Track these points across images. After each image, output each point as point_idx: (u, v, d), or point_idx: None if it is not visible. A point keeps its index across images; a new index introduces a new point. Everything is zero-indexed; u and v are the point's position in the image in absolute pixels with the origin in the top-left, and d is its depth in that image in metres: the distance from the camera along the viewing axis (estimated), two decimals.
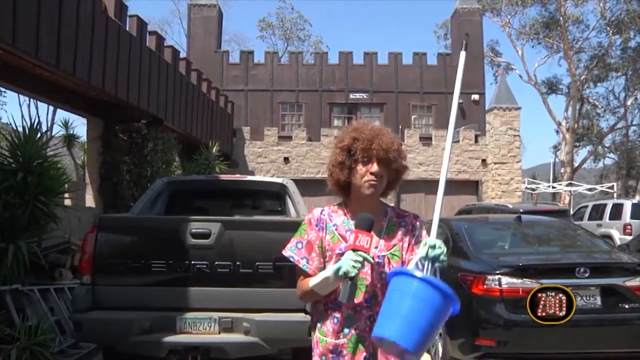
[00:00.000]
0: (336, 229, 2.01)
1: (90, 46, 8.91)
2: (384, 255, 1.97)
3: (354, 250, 1.83)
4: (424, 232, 2.03)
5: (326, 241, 2.01)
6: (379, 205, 2.07)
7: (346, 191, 2.06)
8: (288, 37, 38.36)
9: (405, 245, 2.00)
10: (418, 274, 1.71)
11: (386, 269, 1.96)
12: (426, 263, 1.78)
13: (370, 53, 24.77)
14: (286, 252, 2.05)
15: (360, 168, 1.97)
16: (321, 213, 2.07)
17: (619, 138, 33.85)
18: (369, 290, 1.94)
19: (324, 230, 2.02)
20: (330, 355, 1.96)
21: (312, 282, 1.95)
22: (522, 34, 31.90)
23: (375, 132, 1.99)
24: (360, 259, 1.82)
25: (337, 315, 1.96)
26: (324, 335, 1.99)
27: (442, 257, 1.78)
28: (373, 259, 1.93)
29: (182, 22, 36.80)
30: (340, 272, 1.81)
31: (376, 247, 1.96)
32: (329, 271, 1.89)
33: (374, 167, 1.95)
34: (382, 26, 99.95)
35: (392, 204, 2.17)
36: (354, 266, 1.80)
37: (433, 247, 1.78)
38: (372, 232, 1.87)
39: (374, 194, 1.99)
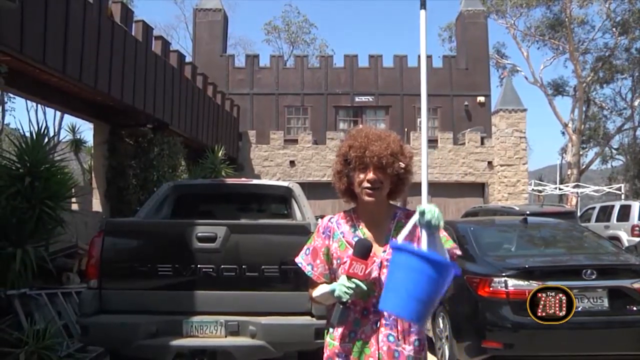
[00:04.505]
0: (343, 236, 2.02)
1: (97, 52, 8.98)
2: None
3: (349, 277, 1.86)
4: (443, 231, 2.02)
5: (333, 249, 2.02)
6: (386, 209, 2.06)
7: (355, 197, 2.06)
8: (293, 41, 38.39)
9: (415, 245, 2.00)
10: (407, 245, 1.77)
11: None
12: (422, 230, 1.79)
13: (375, 56, 24.78)
14: (297, 259, 2.10)
15: (358, 176, 1.97)
16: (329, 221, 2.09)
17: (627, 140, 33.68)
18: (377, 295, 1.93)
19: (331, 238, 2.04)
20: (337, 359, 1.98)
21: (315, 293, 2.01)
22: (527, 35, 31.83)
23: (370, 139, 1.95)
24: (353, 286, 1.84)
25: None
26: (332, 339, 2.01)
27: (434, 222, 1.76)
28: (382, 263, 1.94)
29: (188, 27, 36.89)
30: (335, 295, 1.87)
31: (384, 251, 1.97)
32: (328, 288, 1.93)
33: (370, 175, 1.94)
34: (387, 29, 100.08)
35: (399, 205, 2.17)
36: (346, 292, 1.84)
37: (422, 213, 1.77)
38: (368, 261, 1.88)
39: (374, 202, 1.98)
